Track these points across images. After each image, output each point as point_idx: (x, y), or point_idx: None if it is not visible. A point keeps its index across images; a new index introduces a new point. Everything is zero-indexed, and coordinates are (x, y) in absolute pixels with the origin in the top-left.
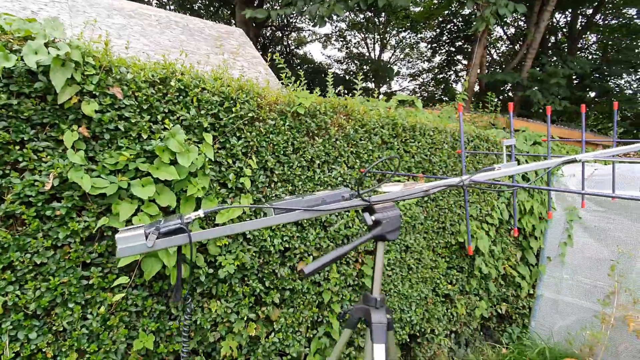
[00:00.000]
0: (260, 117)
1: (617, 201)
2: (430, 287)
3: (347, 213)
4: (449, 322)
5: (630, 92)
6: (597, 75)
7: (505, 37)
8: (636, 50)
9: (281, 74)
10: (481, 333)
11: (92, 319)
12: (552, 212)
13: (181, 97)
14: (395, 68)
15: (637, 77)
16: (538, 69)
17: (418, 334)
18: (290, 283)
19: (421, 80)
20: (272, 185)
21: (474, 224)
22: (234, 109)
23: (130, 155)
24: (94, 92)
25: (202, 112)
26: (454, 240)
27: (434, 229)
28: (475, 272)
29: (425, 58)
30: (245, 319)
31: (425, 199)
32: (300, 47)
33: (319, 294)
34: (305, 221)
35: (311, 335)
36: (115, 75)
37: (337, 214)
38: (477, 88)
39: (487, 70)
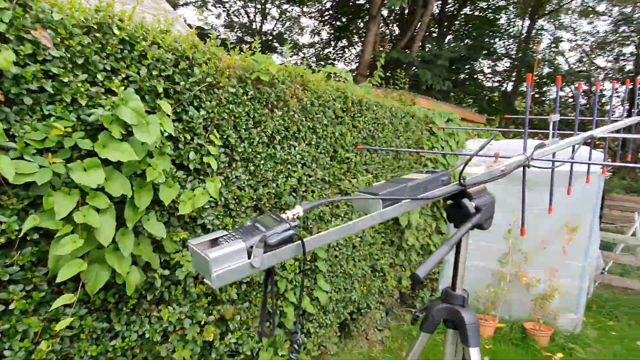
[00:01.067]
0: (220, 84)
1: (514, 173)
2: (369, 263)
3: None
4: (380, 295)
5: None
6: (466, 59)
7: (397, 17)
8: (488, 40)
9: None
10: (398, 301)
11: (12, 356)
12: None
13: (125, 51)
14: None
15: (492, 62)
16: (427, 51)
17: (356, 311)
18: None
19: (302, 55)
20: (234, 165)
21: None
22: (191, 72)
23: (66, 128)
24: (6, 35)
25: (154, 73)
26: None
27: None
28: (404, 244)
29: (309, 32)
30: (201, 322)
31: (366, 175)
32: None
33: (274, 284)
34: (263, 205)
35: None
36: (37, 13)
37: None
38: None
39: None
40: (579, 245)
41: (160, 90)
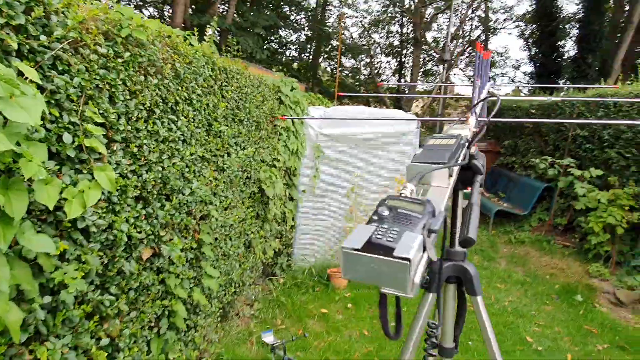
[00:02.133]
0: (86, 42)
1: (350, 135)
2: (242, 240)
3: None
4: (251, 270)
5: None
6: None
7: None
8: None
9: None
10: (262, 272)
11: None
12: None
13: None
14: None
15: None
16: (244, 18)
17: (236, 291)
18: (137, 279)
19: None
20: (113, 147)
21: (268, 170)
22: (48, 23)
23: None
24: None
25: (0, 21)
26: (256, 188)
27: (243, 179)
28: (268, 215)
29: None
30: (90, 349)
31: (237, 149)
32: None
33: (161, 282)
34: (148, 194)
35: (152, 336)
36: None
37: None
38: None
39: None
40: None
41: (15, 46)
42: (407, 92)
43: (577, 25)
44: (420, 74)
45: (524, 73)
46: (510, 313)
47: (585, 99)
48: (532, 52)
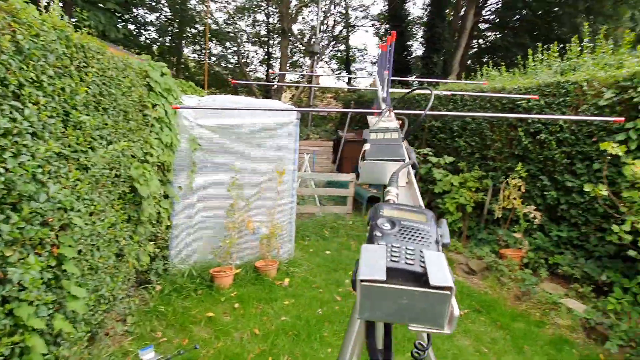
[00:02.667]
0: None
1: (228, 127)
2: (113, 248)
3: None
4: (124, 281)
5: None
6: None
7: None
8: None
9: None
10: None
11: None
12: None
13: None
14: None
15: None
16: None
17: (108, 307)
18: None
19: None
20: None
21: (140, 166)
22: None
23: None
24: None
25: None
26: (128, 188)
27: (111, 178)
28: (142, 217)
29: None
30: None
31: (103, 143)
32: None
33: (9, 314)
34: None
35: None
36: None
37: None
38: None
39: None
40: (287, 186)
41: None
42: (277, 80)
43: (424, 28)
44: (288, 65)
45: None
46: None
47: (501, 95)
48: None
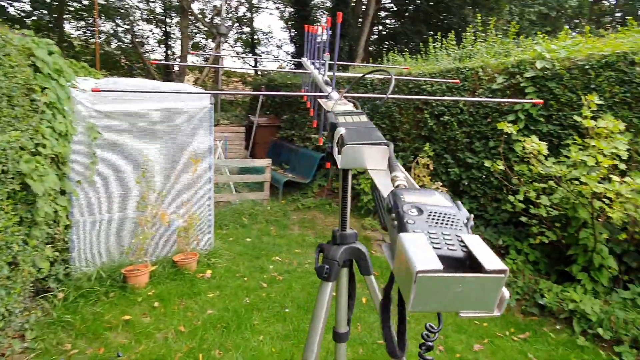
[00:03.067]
0: None
1: (134, 113)
2: (5, 257)
3: None
4: (20, 294)
5: None
6: None
7: None
8: None
9: None
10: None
11: None
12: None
13: None
14: None
15: None
16: None
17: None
18: None
19: None
20: None
21: (32, 159)
22: None
23: None
24: None
25: None
26: (18, 185)
27: None
28: (38, 218)
29: None
30: None
31: None
32: None
33: None
34: None
35: None
36: None
37: None
38: None
39: None
40: (203, 175)
41: None
42: (178, 61)
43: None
44: (189, 46)
45: (286, 52)
46: (313, 274)
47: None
48: (292, 34)
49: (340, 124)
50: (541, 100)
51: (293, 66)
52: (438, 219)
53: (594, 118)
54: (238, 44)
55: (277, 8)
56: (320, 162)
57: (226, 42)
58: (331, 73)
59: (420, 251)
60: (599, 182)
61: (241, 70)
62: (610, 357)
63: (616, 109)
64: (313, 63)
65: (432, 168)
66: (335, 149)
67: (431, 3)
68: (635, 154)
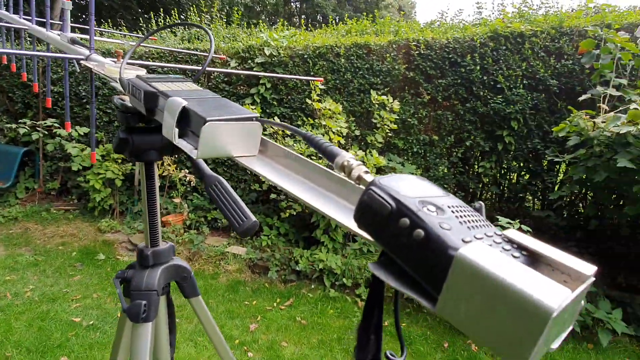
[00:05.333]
0: None
1: None
2: None
3: None
4: None
5: None
6: None
7: None
8: None
9: None
10: None
11: None
12: None
13: None
14: None
15: None
16: None
17: None
18: None
19: None
20: None
21: None
22: None
23: None
24: None
25: None
26: None
27: None
28: None
29: None
30: None
31: None
32: None
33: None
34: None
35: None
36: None
37: None
38: None
39: None
40: None
41: None
42: None
43: None
44: None
45: None
46: (40, 302)
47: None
48: None
49: (172, 93)
50: (321, 78)
51: None
52: (464, 216)
53: (319, 101)
54: None
55: None
56: (22, 159)
57: None
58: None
59: (520, 274)
60: None
61: None
62: (354, 300)
63: (331, 94)
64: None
65: None
66: (175, 131)
67: None
68: (350, 131)
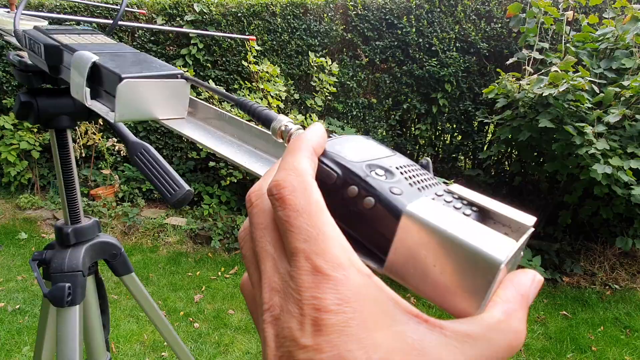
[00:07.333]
0: None
1: None
2: None
3: None
4: None
5: None
6: None
7: None
8: None
9: None
10: None
11: None
12: None
13: None
14: None
15: None
16: None
17: None
18: None
19: None
20: None
21: None
22: None
23: None
24: None
25: None
26: None
27: None
28: None
29: None
30: None
31: None
32: None
33: None
34: None
35: None
36: None
37: None
38: None
39: None
40: None
41: None
42: None
43: None
44: None
45: None
46: None
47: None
48: None
49: (80, 47)
50: (253, 37)
51: None
52: (413, 177)
53: (256, 63)
54: None
55: None
56: None
57: None
58: None
59: (465, 227)
60: None
61: None
62: None
63: (268, 56)
64: None
65: (103, 122)
66: (86, 91)
67: None
68: (289, 95)
